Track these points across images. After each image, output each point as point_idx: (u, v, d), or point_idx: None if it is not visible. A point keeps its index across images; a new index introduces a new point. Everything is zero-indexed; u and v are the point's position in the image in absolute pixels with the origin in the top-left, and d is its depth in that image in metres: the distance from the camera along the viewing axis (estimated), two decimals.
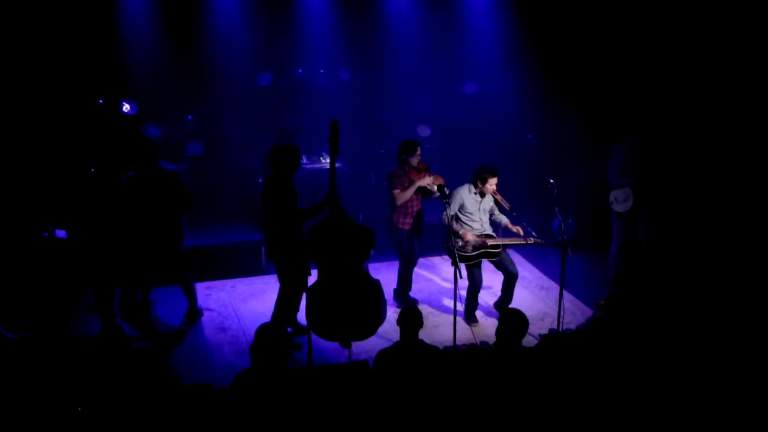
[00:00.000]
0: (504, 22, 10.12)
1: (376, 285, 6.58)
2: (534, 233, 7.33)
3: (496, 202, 7.34)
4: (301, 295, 6.93)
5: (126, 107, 9.32)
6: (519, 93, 10.09)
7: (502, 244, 7.23)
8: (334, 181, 6.41)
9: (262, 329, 4.85)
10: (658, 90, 8.72)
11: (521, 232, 7.28)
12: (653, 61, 8.81)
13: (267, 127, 9.76)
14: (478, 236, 7.19)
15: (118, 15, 9.09)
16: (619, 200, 7.89)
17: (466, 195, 7.22)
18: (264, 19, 9.60)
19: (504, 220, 7.43)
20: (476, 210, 7.22)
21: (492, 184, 7.11)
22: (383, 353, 5.21)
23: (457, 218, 7.26)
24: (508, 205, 7.26)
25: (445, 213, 6.93)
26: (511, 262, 7.38)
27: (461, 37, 10.30)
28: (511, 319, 5.08)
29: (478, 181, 7.14)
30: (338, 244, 6.39)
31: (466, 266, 7.29)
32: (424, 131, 10.32)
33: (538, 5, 9.73)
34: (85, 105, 9.09)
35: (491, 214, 7.40)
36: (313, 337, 6.35)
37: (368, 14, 10.01)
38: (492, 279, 7.86)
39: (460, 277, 6.38)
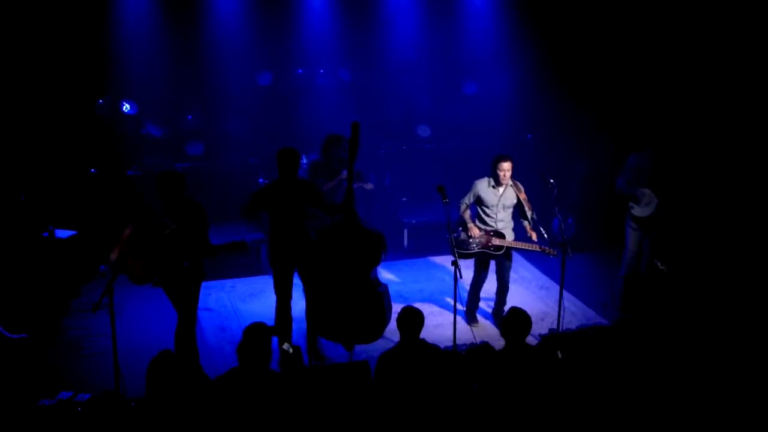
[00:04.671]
0: (504, 22, 10.11)
1: (383, 291, 6.55)
2: (548, 245, 7.04)
3: (520, 203, 7.10)
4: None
5: (126, 107, 9.32)
6: (519, 93, 10.09)
7: (507, 246, 7.14)
8: (351, 184, 6.39)
9: (251, 328, 4.85)
10: (671, 94, 8.60)
11: (534, 238, 7.04)
12: (659, 61, 8.79)
13: (267, 127, 9.77)
14: (486, 233, 7.14)
15: (118, 15, 9.08)
16: (641, 204, 7.33)
17: (483, 188, 7.12)
18: (264, 19, 9.59)
19: (525, 224, 7.19)
20: (495, 204, 7.08)
21: (503, 169, 6.96)
22: (385, 355, 5.19)
23: (478, 214, 7.22)
24: (530, 211, 7.04)
25: (462, 200, 7.09)
26: (509, 269, 7.30)
27: (461, 37, 10.29)
28: (515, 319, 5.09)
29: (492, 167, 7.04)
30: (347, 250, 6.36)
31: (475, 262, 7.26)
32: (424, 131, 10.32)
33: (539, 5, 9.73)
34: (84, 105, 9.09)
35: (519, 214, 7.19)
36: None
37: (368, 14, 10.00)
38: (494, 280, 7.81)
39: (460, 277, 6.37)
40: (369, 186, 7.83)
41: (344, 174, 7.60)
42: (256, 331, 4.83)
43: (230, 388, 4.73)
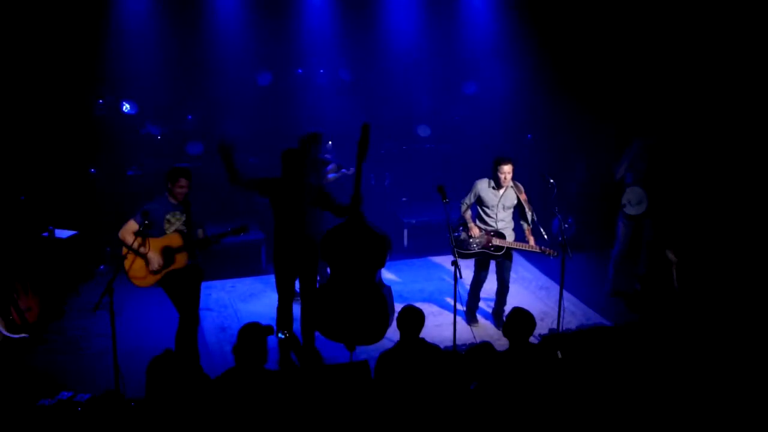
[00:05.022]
0: (504, 22, 10.12)
1: (386, 294, 6.55)
2: (549, 246, 7.05)
3: (521, 204, 7.11)
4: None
5: (126, 107, 9.32)
6: (519, 93, 10.09)
7: (507, 247, 7.14)
8: (359, 185, 6.38)
9: (246, 329, 4.84)
10: (670, 94, 8.65)
11: (532, 243, 7.07)
12: (657, 59, 8.81)
13: (267, 127, 9.76)
14: (486, 233, 7.14)
15: (118, 15, 9.08)
16: (633, 202, 7.66)
17: (483, 188, 7.12)
18: (264, 19, 9.59)
19: (525, 226, 7.20)
20: (495, 204, 7.09)
21: (503, 172, 6.95)
22: (385, 354, 5.19)
23: (479, 214, 7.23)
24: (530, 212, 7.06)
25: (463, 200, 7.12)
26: (509, 269, 7.30)
27: (461, 37, 10.30)
28: (517, 318, 5.09)
29: (493, 169, 7.04)
30: (352, 250, 6.35)
31: (475, 262, 7.27)
32: (424, 131, 10.32)
33: (539, 5, 9.73)
34: (84, 105, 9.09)
35: (519, 215, 7.20)
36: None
37: (368, 14, 10.00)
38: (495, 280, 7.83)
39: (460, 277, 6.37)
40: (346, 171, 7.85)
41: (329, 168, 7.65)
42: (250, 331, 4.82)
43: (227, 389, 4.72)
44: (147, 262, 6.18)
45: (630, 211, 7.69)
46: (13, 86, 8.30)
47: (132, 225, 6.15)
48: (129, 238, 6.10)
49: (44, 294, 7.46)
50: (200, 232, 6.39)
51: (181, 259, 6.27)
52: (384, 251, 6.37)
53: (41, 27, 8.42)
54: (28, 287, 7.31)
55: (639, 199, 7.62)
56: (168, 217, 6.23)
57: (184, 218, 6.28)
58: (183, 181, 6.20)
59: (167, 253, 6.22)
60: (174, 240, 6.23)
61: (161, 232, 6.21)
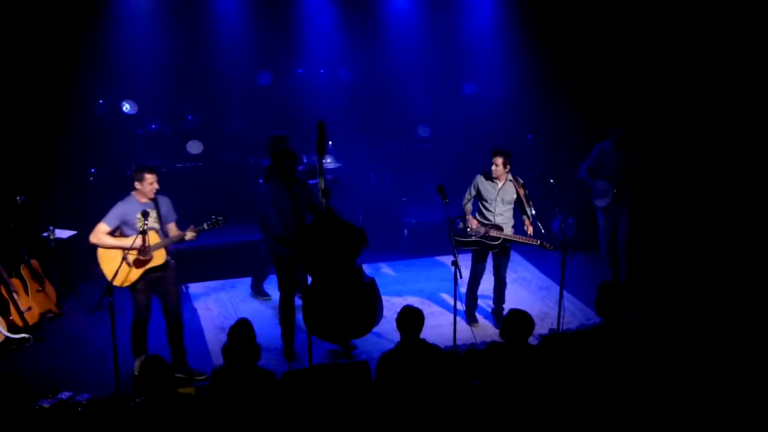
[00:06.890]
0: (504, 22, 10.10)
1: (370, 283, 6.58)
2: (547, 241, 7.04)
3: (519, 200, 7.14)
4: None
5: (126, 107, 9.32)
6: (519, 93, 10.08)
7: (504, 239, 7.14)
8: (323, 181, 6.47)
9: (235, 327, 4.82)
10: (648, 88, 8.82)
11: (530, 232, 7.08)
12: (649, 59, 8.85)
13: (267, 127, 9.75)
14: (484, 225, 7.14)
15: (118, 14, 9.07)
16: (601, 195, 7.95)
17: (481, 181, 7.18)
18: (264, 19, 9.58)
19: (526, 220, 7.20)
20: (493, 198, 7.12)
21: (496, 163, 7.02)
22: (386, 355, 5.18)
23: (479, 209, 7.26)
24: (529, 208, 7.07)
25: (465, 195, 7.22)
26: (505, 265, 7.32)
27: (461, 37, 10.29)
28: (515, 320, 5.08)
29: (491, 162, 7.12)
30: (328, 243, 6.43)
31: (472, 254, 7.29)
32: (424, 131, 10.31)
33: (539, 4, 9.72)
34: (84, 104, 9.08)
35: (519, 209, 7.22)
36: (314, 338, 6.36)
37: (368, 14, 9.99)
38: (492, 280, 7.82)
39: (460, 277, 6.38)
40: None
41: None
42: (240, 329, 4.81)
43: (218, 390, 4.71)
44: (144, 249, 6.18)
45: (599, 203, 8.01)
46: (12, 86, 8.29)
47: (103, 227, 6.20)
48: (105, 239, 6.17)
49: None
50: (172, 226, 6.38)
51: (158, 256, 6.27)
52: (357, 240, 6.47)
53: (41, 26, 8.41)
54: (28, 287, 7.32)
55: (605, 191, 7.90)
56: (139, 215, 6.21)
57: (155, 215, 6.29)
58: (150, 177, 6.20)
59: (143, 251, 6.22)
60: (149, 237, 6.22)
61: (134, 232, 6.21)
